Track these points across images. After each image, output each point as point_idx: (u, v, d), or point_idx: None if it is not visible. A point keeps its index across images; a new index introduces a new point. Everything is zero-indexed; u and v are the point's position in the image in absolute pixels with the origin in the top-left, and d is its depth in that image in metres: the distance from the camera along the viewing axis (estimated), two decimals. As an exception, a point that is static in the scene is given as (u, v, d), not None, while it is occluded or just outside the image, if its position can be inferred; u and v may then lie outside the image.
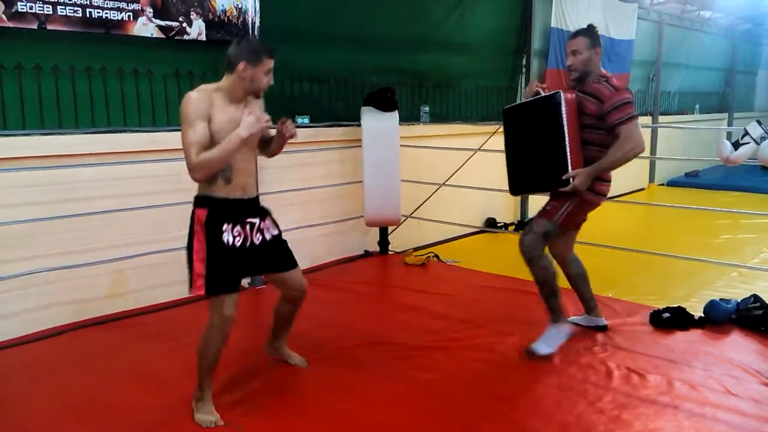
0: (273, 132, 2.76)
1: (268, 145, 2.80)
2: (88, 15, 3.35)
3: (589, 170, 2.90)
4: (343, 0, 4.87)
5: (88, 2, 3.34)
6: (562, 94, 2.87)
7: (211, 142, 2.37)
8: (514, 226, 6.54)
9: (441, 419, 2.53)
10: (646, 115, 9.31)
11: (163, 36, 3.70)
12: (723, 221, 6.53)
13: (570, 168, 2.87)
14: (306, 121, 4.63)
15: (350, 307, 3.94)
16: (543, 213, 3.10)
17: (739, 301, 3.54)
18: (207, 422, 2.47)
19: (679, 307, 3.57)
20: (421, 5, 5.53)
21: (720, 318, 3.47)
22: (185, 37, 3.81)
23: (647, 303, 3.84)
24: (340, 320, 3.62)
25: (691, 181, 9.74)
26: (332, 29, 4.84)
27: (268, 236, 2.62)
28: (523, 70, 6.68)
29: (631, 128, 2.84)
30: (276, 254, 2.68)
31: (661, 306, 3.64)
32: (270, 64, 2.48)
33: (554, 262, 3.14)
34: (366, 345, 3.26)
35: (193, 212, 2.52)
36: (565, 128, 2.87)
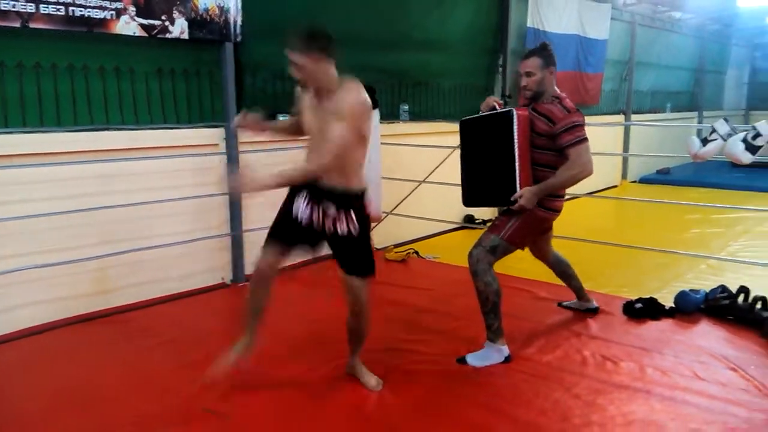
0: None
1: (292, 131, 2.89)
2: (70, 13, 3.36)
3: (535, 189, 2.89)
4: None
5: (71, 1, 3.35)
6: (515, 112, 2.88)
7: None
8: (491, 223, 6.65)
9: (424, 408, 2.62)
10: (619, 113, 9.53)
11: (146, 34, 3.72)
12: (693, 216, 6.74)
13: (518, 187, 2.88)
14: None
15: (332, 302, 4.00)
16: (491, 227, 3.12)
17: (707, 291, 3.69)
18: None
19: (651, 297, 3.71)
20: (401, 5, 5.60)
21: (689, 308, 3.62)
22: (167, 35, 3.83)
23: (620, 294, 3.98)
24: (324, 316, 3.68)
25: (662, 177, 9.98)
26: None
27: (339, 231, 2.57)
28: (500, 69, 6.80)
29: (580, 151, 2.85)
30: (340, 249, 2.67)
31: (633, 297, 3.78)
32: (290, 56, 2.47)
33: (498, 280, 3.05)
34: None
35: None
36: (516, 146, 2.87)
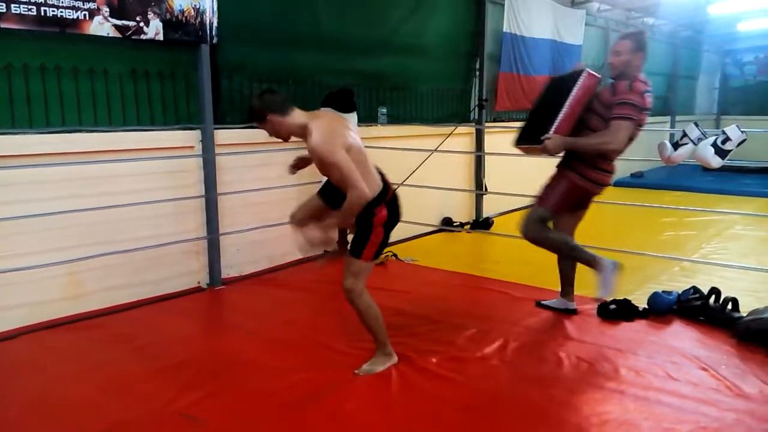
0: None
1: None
2: (42, 13, 3.31)
3: (564, 139, 3.11)
4: (303, 2, 4.92)
5: (43, 1, 3.29)
6: (585, 71, 3.13)
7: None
8: (469, 225, 6.70)
9: (401, 409, 2.62)
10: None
11: (120, 35, 3.68)
12: (667, 219, 6.85)
13: (552, 130, 3.08)
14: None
15: (310, 305, 4.00)
16: (538, 200, 3.35)
17: (680, 293, 3.75)
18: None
19: (625, 299, 3.76)
20: (379, 9, 5.62)
21: (662, 309, 3.68)
22: (142, 36, 3.79)
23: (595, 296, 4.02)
24: (301, 318, 3.67)
25: (636, 181, 10.13)
26: (291, 30, 4.88)
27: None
28: (476, 73, 6.86)
29: (620, 126, 3.05)
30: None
31: (608, 298, 3.82)
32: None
33: (558, 234, 3.38)
34: (327, 341, 3.32)
35: None
36: (570, 98, 3.08)
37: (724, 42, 13.31)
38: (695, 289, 3.73)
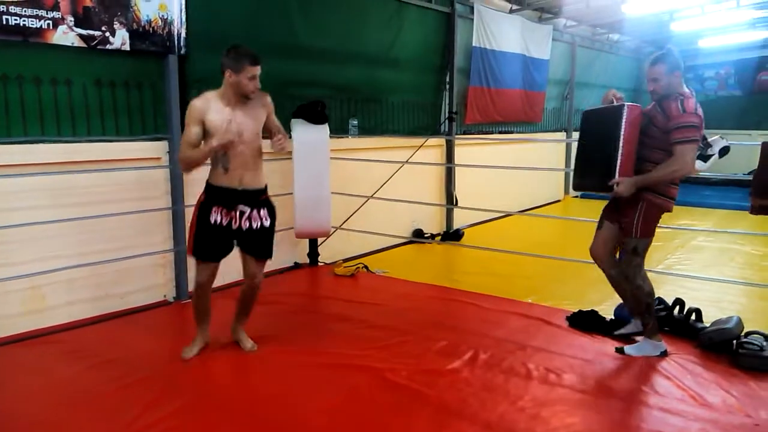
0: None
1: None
2: (4, 22, 3.23)
3: (634, 180, 3.08)
4: (273, 12, 4.90)
5: (4, 9, 3.22)
6: (625, 107, 3.07)
7: (210, 138, 2.90)
8: (440, 237, 6.73)
9: (370, 423, 2.60)
10: (560, 131, 9.84)
11: (85, 45, 3.61)
12: (632, 230, 6.97)
13: (617, 174, 3.06)
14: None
15: (280, 318, 3.95)
16: (623, 232, 3.28)
17: (645, 303, 3.81)
18: (184, 352, 3.18)
19: (592, 310, 3.82)
20: (351, 21, 5.64)
21: (629, 320, 3.72)
22: (108, 46, 3.73)
23: (563, 307, 4.07)
24: (271, 332, 3.62)
25: (603, 194, 10.31)
26: (262, 42, 4.84)
27: (255, 225, 3.09)
28: (447, 86, 6.92)
29: (685, 150, 3.02)
30: (252, 239, 3.12)
31: (575, 309, 3.87)
32: (253, 70, 2.90)
33: (648, 280, 3.28)
34: (296, 355, 3.29)
35: (200, 195, 3.11)
36: (621, 138, 3.04)
37: (686, 58, 13.58)
38: (660, 300, 3.79)
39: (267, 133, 3.19)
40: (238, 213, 3.05)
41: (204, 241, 3.05)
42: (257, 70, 2.92)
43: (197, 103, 2.93)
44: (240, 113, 2.97)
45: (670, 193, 3.22)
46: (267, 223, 3.14)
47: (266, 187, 3.19)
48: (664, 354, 3.23)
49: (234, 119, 2.94)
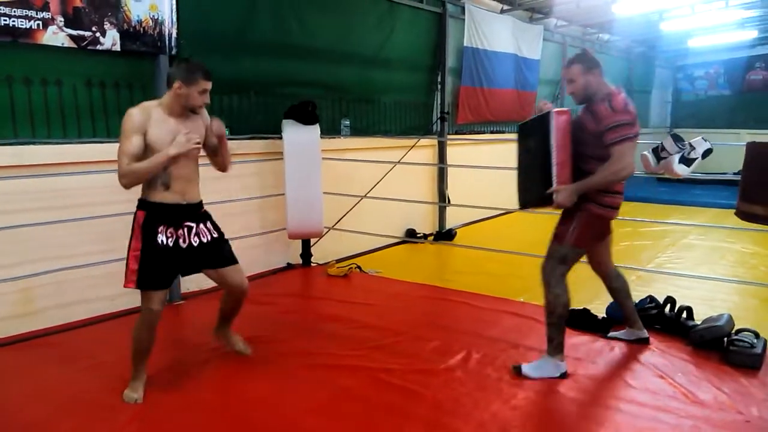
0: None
1: (216, 155, 3.03)
2: (-7, 22, 3.21)
3: (573, 187, 2.90)
4: (264, 12, 4.89)
5: (-7, 9, 3.20)
6: (552, 113, 2.92)
7: (150, 151, 2.65)
8: (433, 237, 6.73)
9: (364, 424, 2.60)
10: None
11: (75, 45, 3.59)
12: (623, 229, 7.00)
13: (555, 183, 2.89)
14: (226, 133, 4.60)
15: (273, 319, 3.94)
16: (555, 237, 3.11)
17: (636, 302, 3.83)
18: (129, 398, 2.75)
19: (584, 308, 3.83)
20: (343, 21, 5.64)
21: (620, 318, 3.74)
22: (98, 47, 3.71)
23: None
24: (264, 332, 3.62)
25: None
26: (254, 42, 4.85)
27: (204, 239, 2.86)
28: (439, 86, 6.93)
29: (623, 149, 2.84)
30: (212, 253, 2.90)
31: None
32: (205, 85, 2.73)
33: (569, 292, 3.07)
34: (289, 355, 3.28)
35: (135, 213, 2.77)
36: (553, 145, 2.88)
37: (676, 57, 13.81)
38: (651, 298, 3.82)
39: (204, 148, 2.94)
40: (185, 229, 2.80)
41: (154, 266, 2.71)
42: (209, 85, 2.75)
43: (136, 113, 2.67)
44: (187, 126, 2.75)
45: (610, 202, 3.03)
46: (216, 234, 2.92)
47: (202, 201, 2.95)
48: (563, 376, 3.00)
49: (181, 132, 2.70)
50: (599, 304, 3.98)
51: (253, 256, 5.00)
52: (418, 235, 6.61)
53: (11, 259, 3.53)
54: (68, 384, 2.96)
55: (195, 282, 4.51)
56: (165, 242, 2.73)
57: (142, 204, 2.76)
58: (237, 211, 4.73)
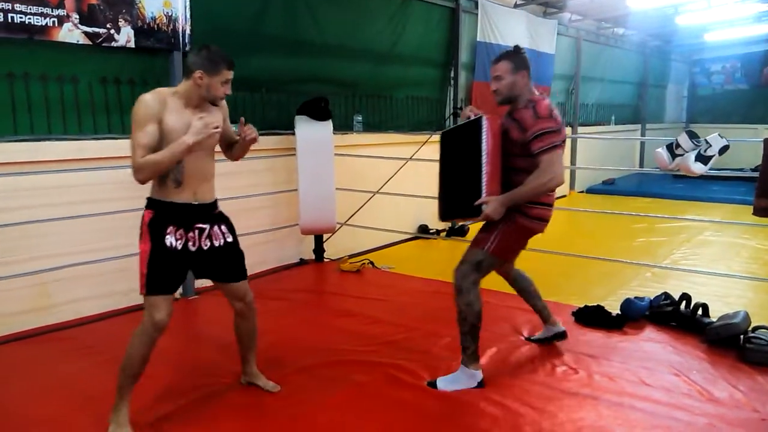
0: (236, 134, 2.80)
1: (231, 148, 2.82)
2: (10, 20, 3.24)
3: (502, 199, 2.72)
4: (277, 8, 4.90)
5: (10, 7, 3.23)
6: (484, 119, 2.73)
7: (166, 143, 2.38)
8: (445, 233, 6.72)
9: (377, 420, 2.60)
10: (566, 126, 9.79)
11: (90, 42, 3.62)
12: (639, 225, 6.96)
13: (483, 195, 2.72)
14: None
15: (287, 314, 3.96)
16: (474, 242, 2.95)
17: (651, 299, 3.81)
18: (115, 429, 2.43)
19: (598, 305, 3.80)
20: (356, 17, 5.63)
21: (635, 315, 3.72)
22: (113, 43, 3.74)
23: (569, 303, 4.06)
24: (277, 328, 3.63)
25: (608, 188, 10.30)
26: (267, 38, 4.86)
27: (217, 243, 2.60)
28: (452, 82, 6.91)
29: (552, 158, 2.69)
30: (222, 263, 2.64)
31: (581, 304, 3.86)
32: (228, 75, 2.48)
33: (482, 300, 2.89)
34: (303, 351, 3.29)
35: (143, 213, 2.52)
36: (484, 154, 2.71)
37: (692, 52, 13.65)
38: (666, 295, 3.79)
39: (220, 142, 2.72)
40: (197, 231, 2.54)
41: (161, 269, 2.45)
42: (232, 74, 2.50)
43: (150, 99, 2.39)
44: (198, 117, 2.44)
45: (538, 215, 2.87)
46: (230, 239, 2.65)
47: (217, 200, 2.69)
48: (480, 385, 2.85)
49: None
50: (613, 300, 3.96)
51: (265, 252, 5.02)
52: (431, 231, 6.60)
53: (27, 254, 3.58)
54: (83, 379, 2.99)
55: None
56: (174, 245, 2.47)
57: (150, 203, 2.52)
58: (250, 207, 4.75)
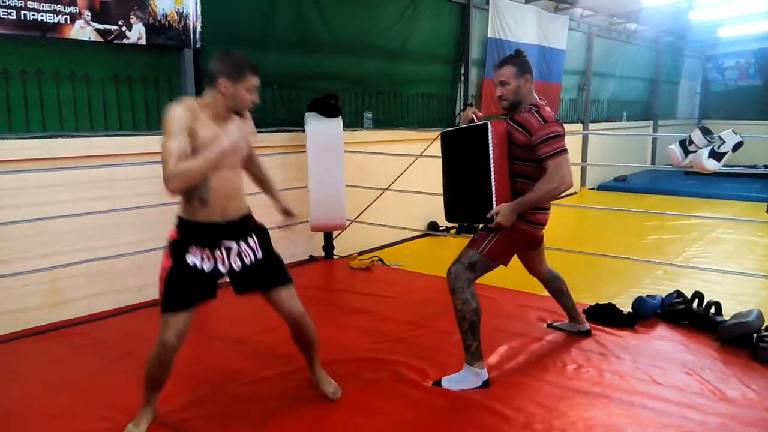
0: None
1: (250, 161, 2.73)
2: (23, 17, 3.27)
3: (512, 206, 2.73)
4: (288, 5, 4.90)
5: (23, 4, 3.25)
6: (489, 126, 2.71)
7: (195, 154, 2.27)
8: (455, 230, 6.71)
9: (387, 417, 2.60)
10: (577, 122, 9.74)
11: (102, 40, 3.64)
12: (650, 223, 6.91)
13: (495, 203, 2.72)
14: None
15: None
16: (471, 242, 2.94)
17: (663, 296, 3.78)
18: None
19: (609, 303, 3.78)
20: (366, 14, 5.62)
21: (647, 313, 3.69)
22: (125, 41, 3.75)
23: (581, 300, 4.01)
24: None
25: (619, 185, 10.24)
26: (277, 35, 4.87)
27: (247, 261, 2.48)
28: (462, 78, 6.88)
29: (558, 163, 2.68)
30: (258, 274, 2.53)
31: (593, 302, 3.84)
32: (253, 81, 2.36)
33: (477, 297, 2.87)
34: (313, 348, 3.29)
35: (170, 231, 2.45)
36: (491, 160, 2.70)
37: (705, 47, 13.51)
38: (679, 293, 3.76)
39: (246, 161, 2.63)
40: (224, 251, 2.43)
41: (177, 288, 2.36)
42: (257, 80, 2.38)
43: (181, 109, 2.28)
44: (231, 131, 2.36)
45: (537, 219, 2.88)
46: (260, 254, 2.52)
47: (249, 209, 2.59)
48: (485, 384, 2.81)
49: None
50: (625, 298, 3.93)
51: (275, 249, 5.02)
52: (441, 228, 6.59)
53: (40, 251, 3.61)
54: (95, 374, 3.01)
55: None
56: (198, 264, 2.36)
57: (177, 222, 2.42)
58: (260, 204, 4.73)
